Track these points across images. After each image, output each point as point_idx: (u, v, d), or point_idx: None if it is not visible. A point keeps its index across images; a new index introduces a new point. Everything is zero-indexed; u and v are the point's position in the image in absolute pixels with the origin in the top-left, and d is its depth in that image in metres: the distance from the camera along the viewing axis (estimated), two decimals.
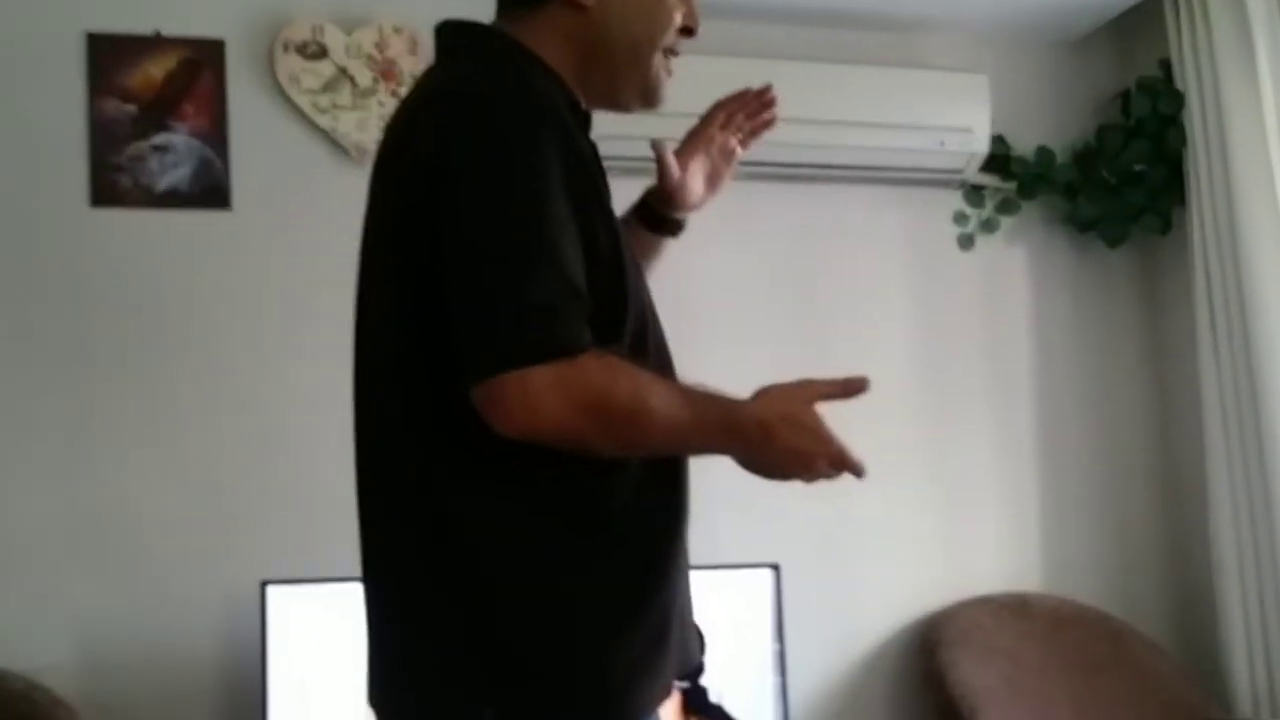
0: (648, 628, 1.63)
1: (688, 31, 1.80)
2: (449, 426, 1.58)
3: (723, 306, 3.70)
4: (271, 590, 3.02)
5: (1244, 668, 3.58)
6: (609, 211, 1.66)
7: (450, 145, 1.57)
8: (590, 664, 1.59)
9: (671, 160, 1.96)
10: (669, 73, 1.82)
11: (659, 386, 1.60)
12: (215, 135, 3.34)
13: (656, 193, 2.00)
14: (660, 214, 2.01)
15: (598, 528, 1.61)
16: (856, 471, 1.64)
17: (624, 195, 3.75)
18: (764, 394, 1.63)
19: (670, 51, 1.80)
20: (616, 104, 1.82)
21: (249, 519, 3.26)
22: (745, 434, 1.60)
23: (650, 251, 2.01)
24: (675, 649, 1.67)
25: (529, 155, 1.55)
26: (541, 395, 1.49)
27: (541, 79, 1.68)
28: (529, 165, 1.55)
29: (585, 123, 1.78)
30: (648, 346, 1.70)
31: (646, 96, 1.81)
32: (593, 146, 1.73)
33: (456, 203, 1.55)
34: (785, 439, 1.59)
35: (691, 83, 3.40)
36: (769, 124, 2.03)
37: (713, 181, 2.02)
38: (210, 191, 3.33)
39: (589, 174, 1.63)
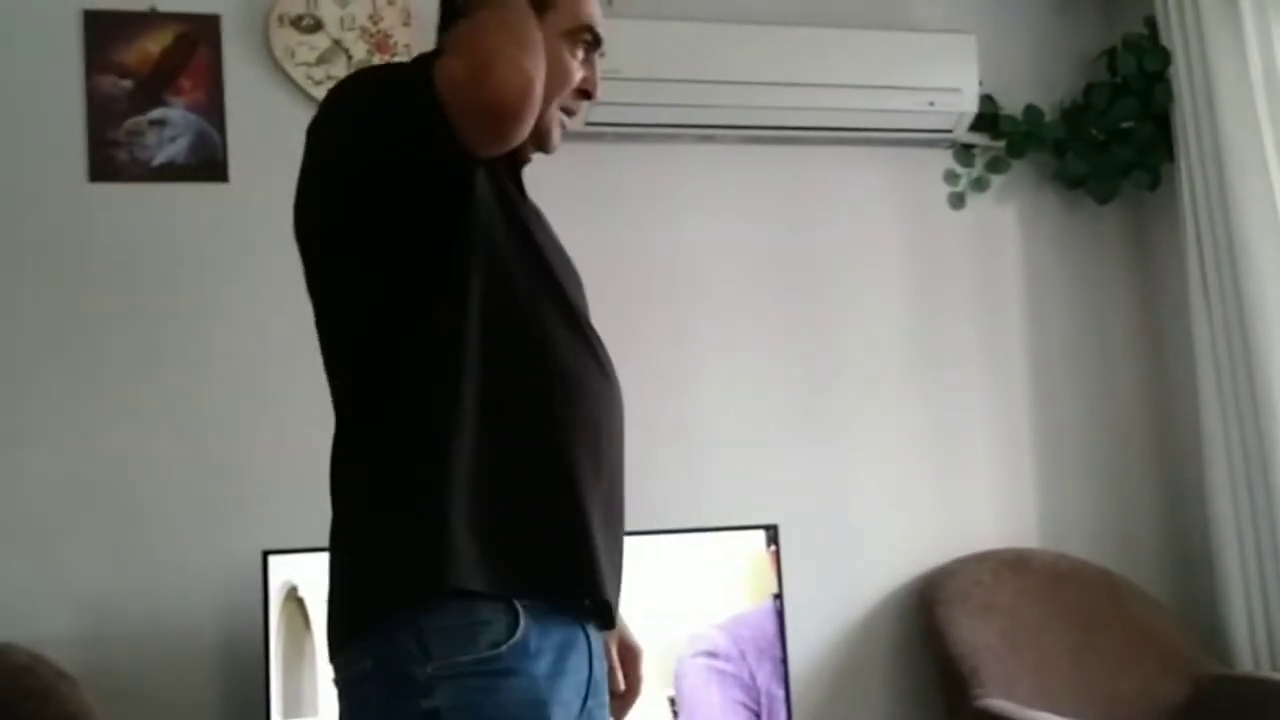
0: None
1: (584, 94, 1.84)
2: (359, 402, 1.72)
3: (714, 268, 3.72)
4: (273, 560, 3.03)
5: (1243, 622, 3.59)
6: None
7: (341, 102, 1.74)
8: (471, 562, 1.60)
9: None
10: (563, 126, 1.85)
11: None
12: (212, 109, 3.36)
13: None
14: None
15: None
16: None
17: (611, 161, 3.73)
18: None
19: (567, 110, 1.84)
20: None
21: (250, 489, 3.27)
22: None
23: None
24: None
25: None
26: (464, 62, 1.55)
27: None
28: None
29: None
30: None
31: (536, 139, 1.81)
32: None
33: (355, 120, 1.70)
34: None
35: (685, 48, 3.45)
36: None
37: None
38: (207, 164, 3.35)
39: None
